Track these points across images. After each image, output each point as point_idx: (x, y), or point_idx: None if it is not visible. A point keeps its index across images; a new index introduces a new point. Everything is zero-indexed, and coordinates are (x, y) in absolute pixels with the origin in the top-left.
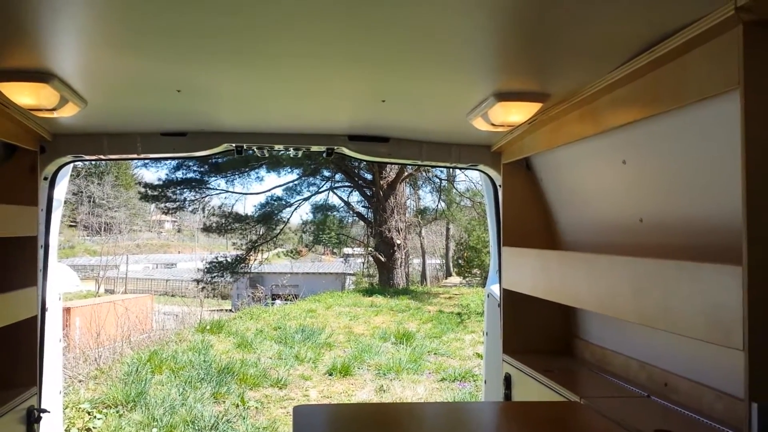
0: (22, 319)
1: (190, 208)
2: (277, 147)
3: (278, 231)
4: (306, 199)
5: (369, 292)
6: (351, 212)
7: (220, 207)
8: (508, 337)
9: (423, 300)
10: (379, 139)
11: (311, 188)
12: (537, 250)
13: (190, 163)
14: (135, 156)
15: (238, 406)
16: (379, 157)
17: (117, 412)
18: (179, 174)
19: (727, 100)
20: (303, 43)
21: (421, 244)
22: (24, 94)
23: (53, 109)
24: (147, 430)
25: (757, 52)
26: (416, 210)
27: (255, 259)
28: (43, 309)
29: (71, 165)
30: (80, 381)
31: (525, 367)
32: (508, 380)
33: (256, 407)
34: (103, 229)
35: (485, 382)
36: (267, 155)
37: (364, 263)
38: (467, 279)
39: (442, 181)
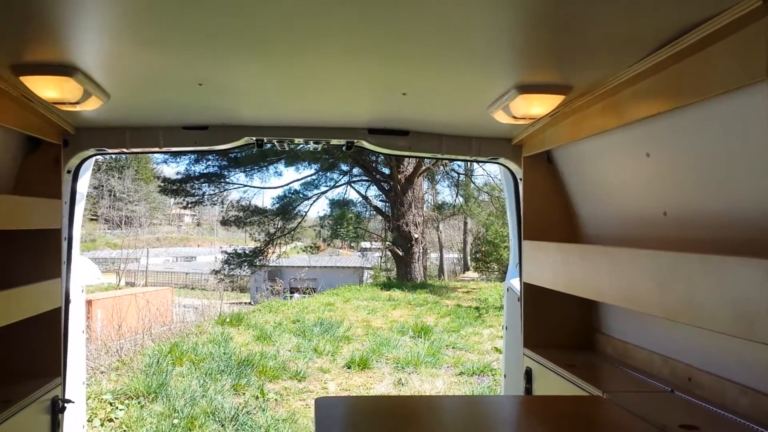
0: (46, 311)
1: (209, 202)
2: (297, 141)
3: (296, 225)
4: (324, 193)
5: (387, 286)
6: (369, 206)
7: (238, 201)
8: (528, 331)
9: (441, 294)
10: (398, 133)
11: (329, 183)
12: (558, 243)
13: (210, 158)
14: (157, 149)
15: (257, 398)
16: (398, 151)
17: (138, 403)
18: (198, 168)
19: (751, 92)
20: (324, 38)
21: (439, 238)
22: (48, 88)
23: (77, 103)
24: (168, 421)
25: None
26: (434, 204)
27: (273, 252)
28: (67, 301)
29: (94, 158)
30: (102, 372)
31: (546, 362)
32: (529, 374)
33: (276, 399)
34: (123, 222)
35: (504, 376)
36: (287, 149)
37: (381, 257)
38: (485, 274)
39: (460, 176)
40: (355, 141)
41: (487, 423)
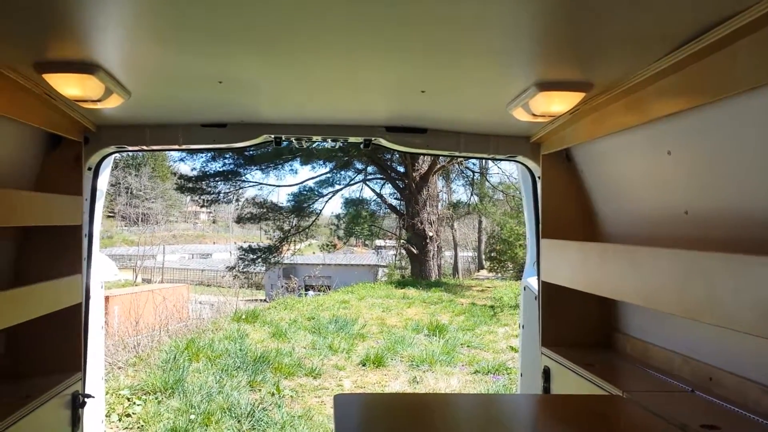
0: (67, 306)
1: (224, 200)
2: (314, 138)
3: (311, 222)
4: (338, 191)
5: (401, 284)
6: (383, 204)
7: (254, 198)
8: (546, 329)
9: (455, 292)
10: (416, 131)
11: (344, 181)
12: (578, 242)
13: (226, 156)
14: (176, 147)
15: (273, 394)
16: (416, 149)
17: (156, 398)
18: (214, 166)
19: None
20: (343, 35)
21: (453, 236)
22: (70, 86)
23: (98, 101)
24: (185, 417)
25: None
26: (448, 203)
27: (288, 250)
28: (87, 296)
29: (114, 156)
30: (120, 368)
31: (565, 360)
32: (547, 373)
33: (291, 396)
34: (140, 219)
35: (521, 375)
36: (304, 146)
37: (396, 255)
38: (500, 272)
39: (475, 174)
40: (373, 139)
41: (505, 421)
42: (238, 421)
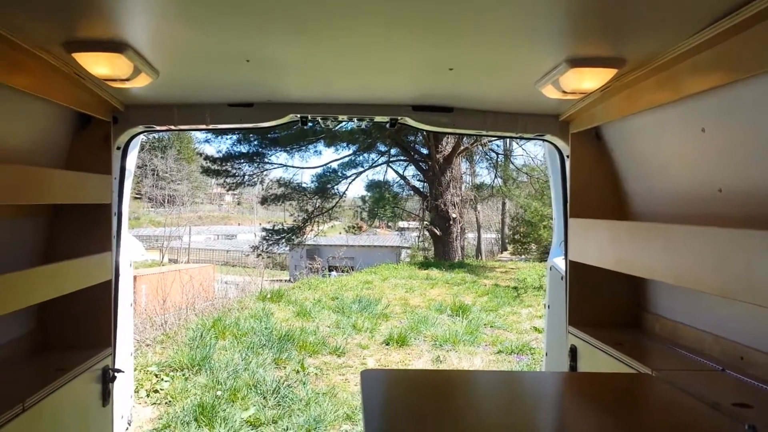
0: (97, 283)
1: (248, 183)
2: (341, 118)
3: (334, 204)
4: (362, 173)
5: (424, 265)
6: (407, 186)
7: (278, 180)
8: (573, 309)
9: (478, 273)
10: (443, 109)
11: (367, 163)
12: (607, 221)
13: (251, 137)
14: (203, 126)
15: (298, 371)
16: (442, 128)
17: (183, 375)
18: (239, 148)
19: None
20: (370, 13)
21: (477, 218)
22: (99, 64)
23: (126, 80)
24: (212, 393)
25: None
26: (472, 184)
27: (311, 231)
28: (117, 274)
29: (141, 135)
30: (148, 345)
31: (592, 339)
32: (573, 352)
33: (316, 373)
34: (166, 201)
35: (546, 354)
36: (330, 126)
37: (419, 237)
38: (523, 254)
39: (499, 156)
40: (399, 118)
41: (531, 397)
42: (264, 398)
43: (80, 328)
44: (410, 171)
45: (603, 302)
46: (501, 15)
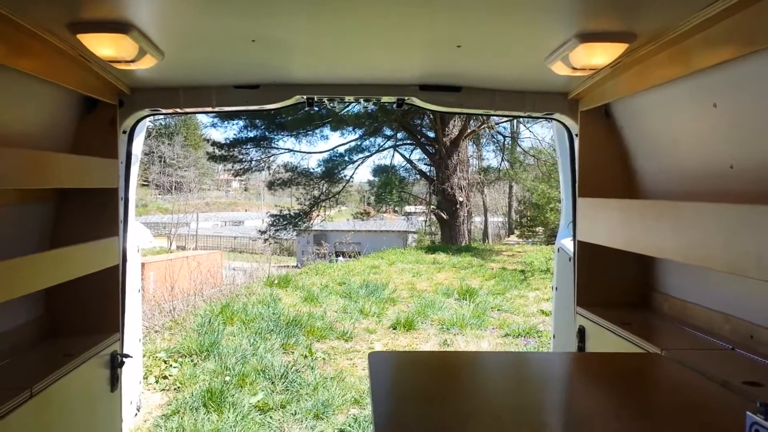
0: (105, 268)
1: (255, 168)
2: (347, 98)
3: (341, 188)
4: (368, 157)
5: (431, 249)
6: (413, 170)
7: (285, 165)
8: (582, 289)
9: (485, 257)
10: (450, 89)
11: (373, 147)
12: (617, 200)
13: (257, 122)
14: (210, 109)
15: (306, 356)
16: (450, 107)
17: (191, 360)
18: (246, 133)
19: None
20: None
21: (484, 201)
22: (104, 46)
23: (132, 61)
24: (220, 379)
25: None
26: (479, 168)
27: (318, 216)
28: (124, 259)
29: (148, 119)
30: (156, 331)
31: (601, 320)
32: (582, 333)
33: (324, 358)
34: (173, 187)
35: (554, 336)
36: (336, 108)
37: (426, 221)
38: (530, 238)
39: (506, 139)
40: (406, 98)
41: (539, 377)
42: (272, 383)
43: (88, 314)
44: (417, 155)
45: (611, 282)
46: None
